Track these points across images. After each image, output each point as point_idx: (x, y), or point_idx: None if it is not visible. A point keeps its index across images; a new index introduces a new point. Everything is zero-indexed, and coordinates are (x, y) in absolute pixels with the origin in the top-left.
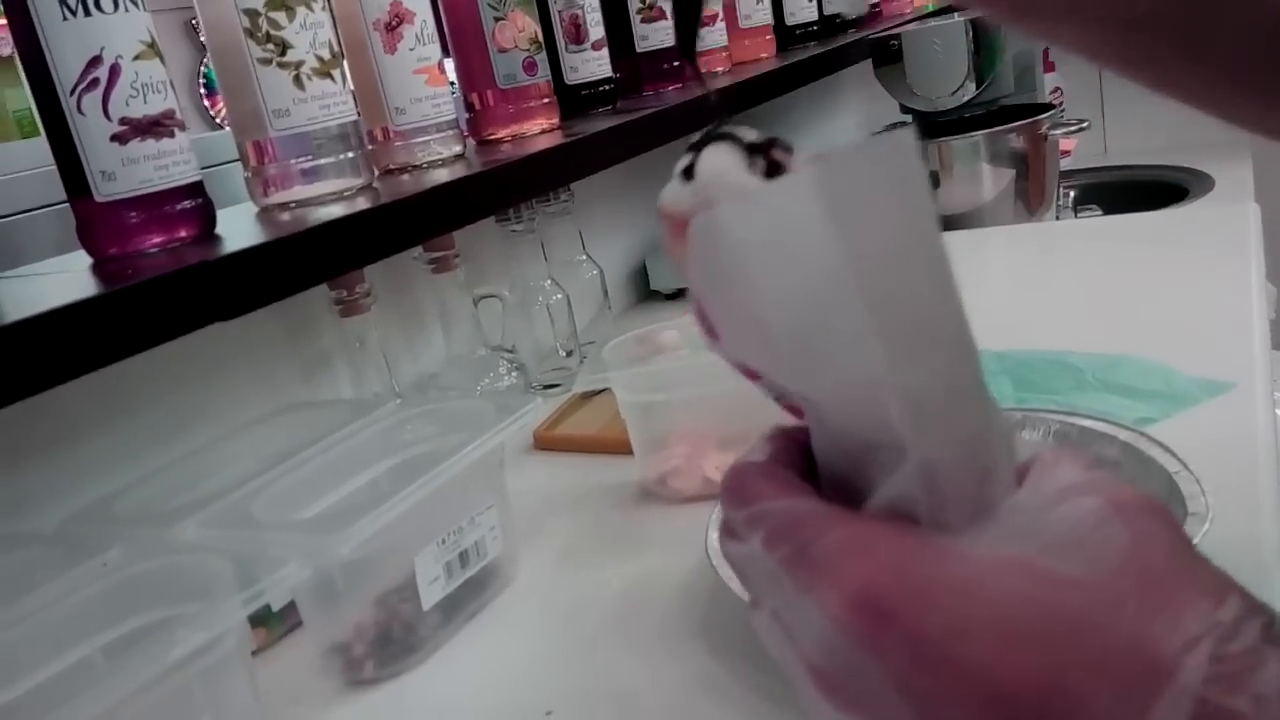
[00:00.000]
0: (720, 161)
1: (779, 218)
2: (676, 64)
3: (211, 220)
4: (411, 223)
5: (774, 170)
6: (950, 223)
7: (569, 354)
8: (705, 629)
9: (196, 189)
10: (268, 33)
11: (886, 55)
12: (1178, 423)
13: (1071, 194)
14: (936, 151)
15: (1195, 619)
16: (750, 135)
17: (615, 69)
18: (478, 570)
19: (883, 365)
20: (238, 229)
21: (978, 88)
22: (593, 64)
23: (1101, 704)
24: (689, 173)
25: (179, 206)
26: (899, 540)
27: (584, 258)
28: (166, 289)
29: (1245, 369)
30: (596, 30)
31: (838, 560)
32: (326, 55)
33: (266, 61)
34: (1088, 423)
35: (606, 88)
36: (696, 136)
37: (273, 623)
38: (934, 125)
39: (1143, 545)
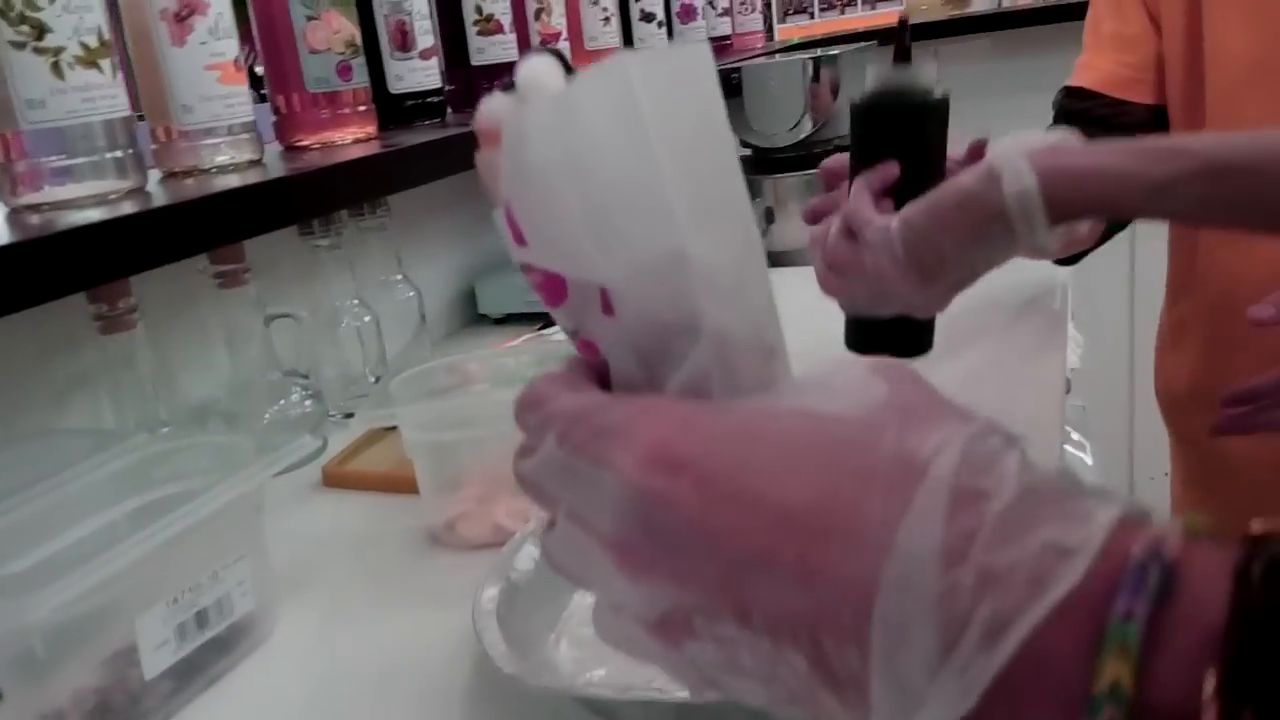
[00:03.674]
0: (540, 68)
1: (590, 107)
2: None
3: None
4: (184, 231)
5: None
6: (782, 259)
7: (377, 380)
8: (469, 706)
9: None
10: (22, 13)
11: (727, 88)
12: None
13: None
14: (772, 187)
15: (945, 433)
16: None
17: (449, 81)
18: (222, 630)
19: (684, 237)
20: None
21: (814, 126)
22: (420, 73)
23: (872, 506)
24: (509, 86)
25: None
26: (685, 404)
27: (399, 278)
28: None
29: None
30: (426, 39)
31: (628, 426)
32: (94, 43)
33: (20, 45)
34: None
35: (435, 99)
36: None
37: None
38: (770, 161)
39: (900, 391)
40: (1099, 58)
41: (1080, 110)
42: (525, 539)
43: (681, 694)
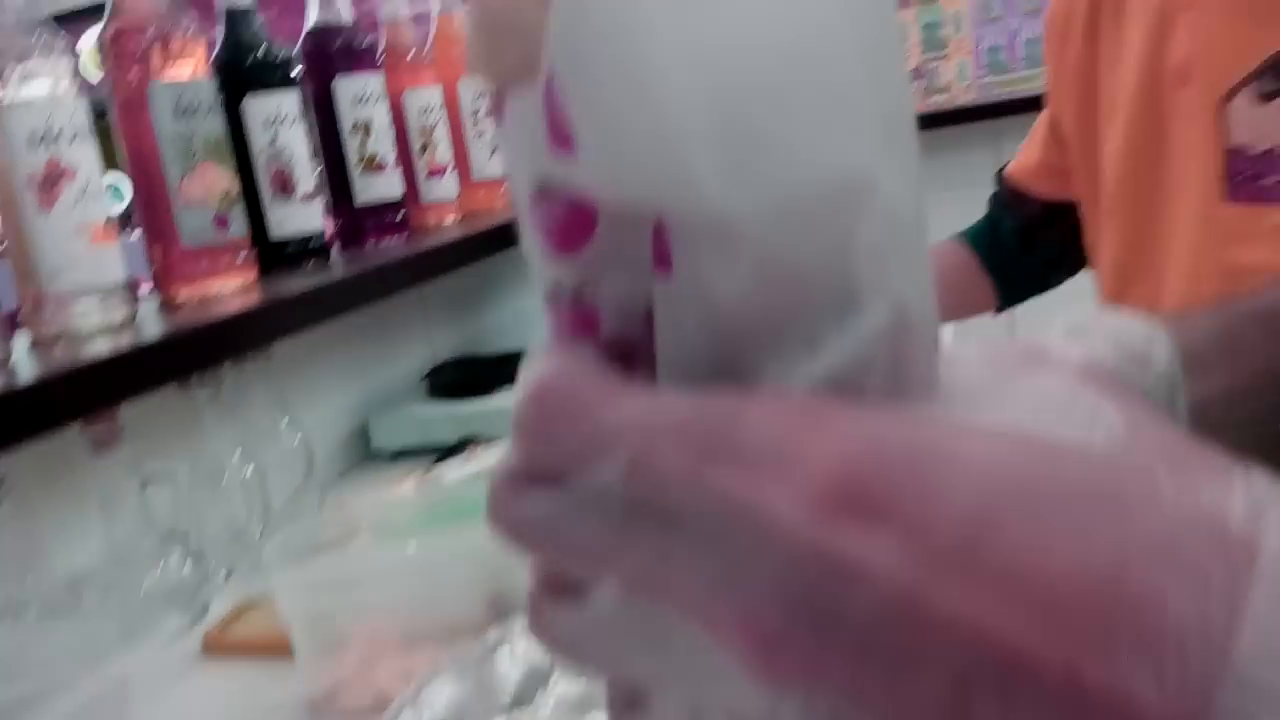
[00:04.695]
0: None
1: None
2: (400, 218)
3: None
4: (51, 406)
5: None
6: None
7: (262, 533)
8: None
9: None
10: None
11: None
12: None
13: None
14: None
15: (1242, 487)
16: None
17: (335, 217)
18: None
19: (873, 157)
20: None
21: None
22: (301, 217)
23: (1182, 594)
24: None
25: None
26: (853, 410)
27: (285, 422)
28: None
29: None
30: (307, 181)
31: (781, 441)
32: None
33: None
34: None
35: (317, 243)
36: None
37: None
38: None
39: (1132, 410)
40: (1028, 145)
41: (996, 192)
42: (404, 706)
43: None
